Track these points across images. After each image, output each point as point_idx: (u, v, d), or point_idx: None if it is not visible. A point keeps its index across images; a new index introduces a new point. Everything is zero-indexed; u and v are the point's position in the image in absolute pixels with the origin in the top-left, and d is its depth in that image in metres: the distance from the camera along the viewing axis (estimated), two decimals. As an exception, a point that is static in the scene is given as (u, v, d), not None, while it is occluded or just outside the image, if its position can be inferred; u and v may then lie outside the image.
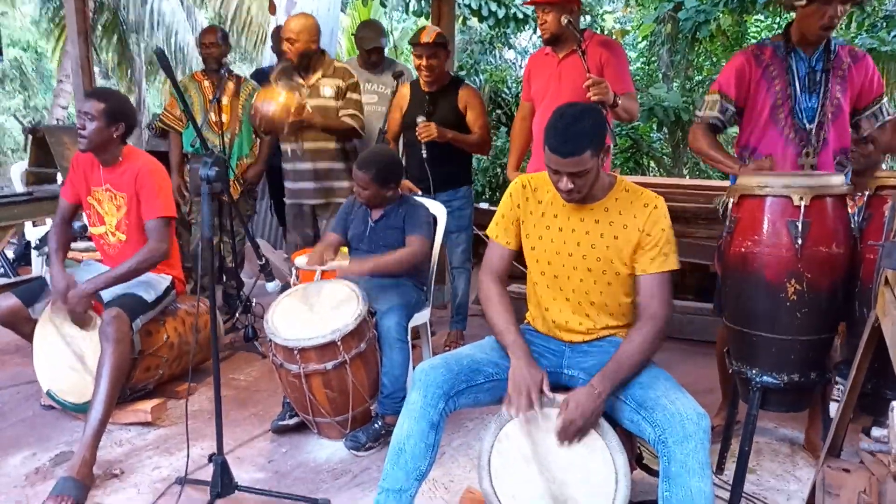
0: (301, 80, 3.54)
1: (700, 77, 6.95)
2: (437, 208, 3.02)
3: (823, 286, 1.86)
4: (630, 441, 1.95)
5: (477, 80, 7.00)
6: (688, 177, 6.63)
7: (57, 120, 8.72)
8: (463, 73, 7.16)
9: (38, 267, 4.52)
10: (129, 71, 12.92)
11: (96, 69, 13.04)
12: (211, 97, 3.79)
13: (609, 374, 1.77)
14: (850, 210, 1.96)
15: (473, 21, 6.46)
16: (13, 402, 2.95)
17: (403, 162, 3.42)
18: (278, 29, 4.37)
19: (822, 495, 1.74)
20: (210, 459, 2.10)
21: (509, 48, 7.29)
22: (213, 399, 2.07)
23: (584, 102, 2.14)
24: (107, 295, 2.65)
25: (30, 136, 4.07)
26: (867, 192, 1.89)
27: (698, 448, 1.63)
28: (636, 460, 2.06)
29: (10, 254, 4.86)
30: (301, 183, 3.64)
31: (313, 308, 2.50)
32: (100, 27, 12.03)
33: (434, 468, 1.88)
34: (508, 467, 1.86)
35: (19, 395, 3.03)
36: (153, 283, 2.77)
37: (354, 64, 4.06)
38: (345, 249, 2.96)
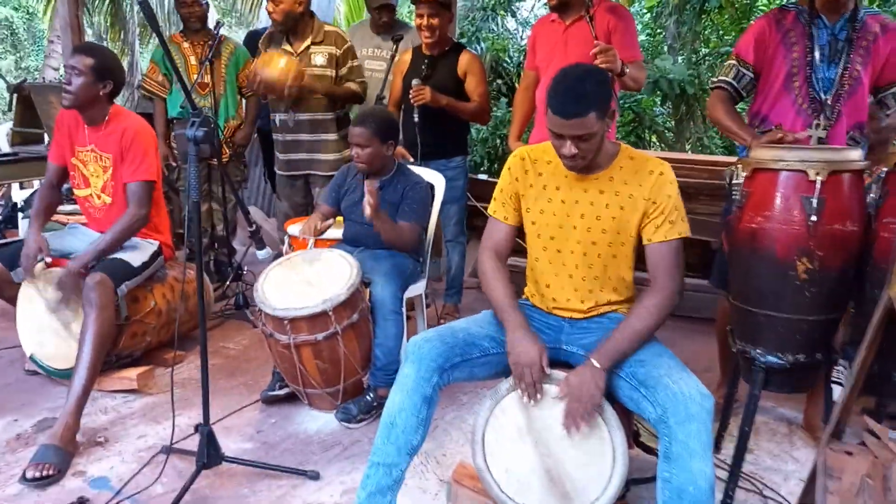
0: (289, 48, 3.42)
1: (707, 50, 6.80)
2: (435, 178, 2.93)
3: (835, 265, 1.79)
4: (627, 418, 1.90)
5: (478, 49, 6.84)
6: (690, 152, 6.54)
7: (43, 79, 8.52)
8: (464, 40, 6.99)
9: (24, 230, 4.43)
10: (122, 33, 12.64)
11: (89, 31, 12.75)
12: (195, 59, 3.67)
13: (609, 348, 1.72)
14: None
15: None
16: (-4, 367, 2.89)
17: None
18: None
19: (824, 478, 1.69)
20: (196, 429, 2.04)
21: (512, 16, 7.10)
22: (198, 374, 2.00)
23: (588, 64, 2.05)
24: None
25: (15, 95, 3.93)
26: (884, 169, 1.82)
27: (701, 429, 1.57)
28: (633, 438, 2.01)
29: (-4, 215, 4.75)
30: (293, 154, 3.54)
31: (305, 277, 2.42)
32: (92, -13, 11.72)
33: (426, 441, 1.82)
34: (503, 442, 1.81)
35: (2, 360, 2.96)
36: (139, 248, 2.69)
37: (366, 27, 3.89)
38: (340, 219, 2.87)
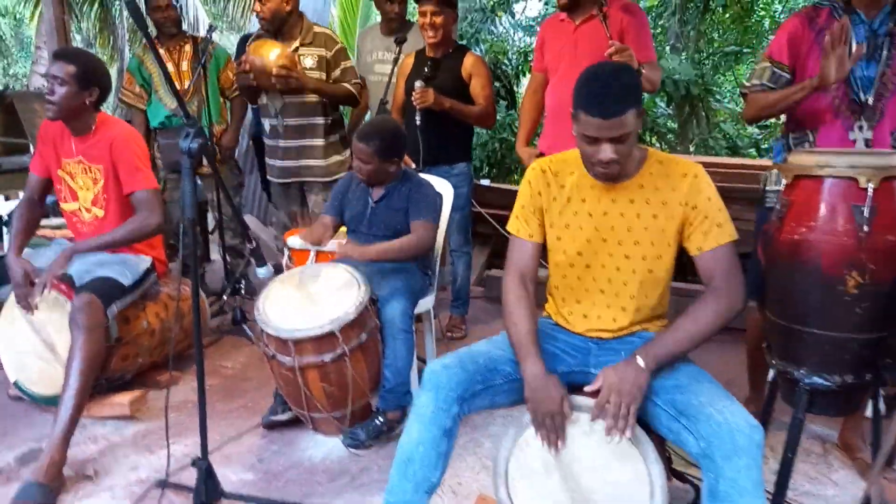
0: None
1: (711, 49, 6.68)
2: (442, 186, 2.78)
3: (888, 278, 1.65)
4: (661, 444, 1.76)
5: (477, 51, 6.72)
6: (694, 154, 6.42)
7: (27, 87, 8.28)
8: (462, 42, 6.86)
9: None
10: (111, 38, 12.44)
11: (78, 37, 12.51)
12: (173, 65, 3.52)
13: (658, 347, 1.57)
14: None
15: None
16: (-23, 393, 2.72)
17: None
18: None
19: (881, 511, 1.55)
20: (194, 464, 1.88)
21: (512, 17, 6.97)
22: (195, 395, 1.85)
23: (613, 61, 1.91)
24: (78, 279, 2.40)
25: (-4, 103, 3.77)
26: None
27: (751, 465, 1.43)
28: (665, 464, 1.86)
29: (-20, 229, 4.56)
30: (285, 161, 3.39)
31: (309, 295, 2.26)
32: (80, -7, 11.52)
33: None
34: (528, 476, 1.66)
35: (-15, 384, 2.79)
36: (130, 265, 2.52)
37: (376, 30, 3.72)
38: (344, 229, 2.71)
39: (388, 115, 3.11)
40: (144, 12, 3.56)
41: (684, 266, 1.84)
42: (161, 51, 3.58)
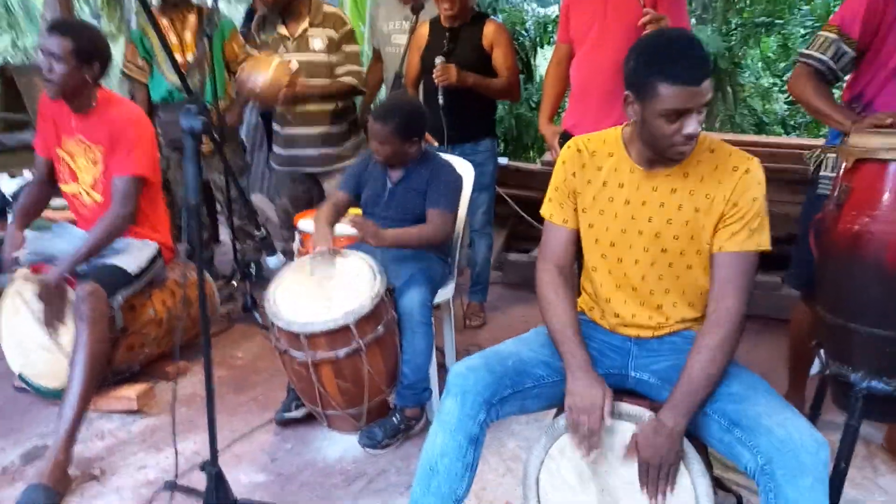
0: (285, 31, 3.10)
1: (739, 20, 6.39)
2: (463, 167, 2.62)
3: (961, 275, 1.50)
4: (704, 451, 1.62)
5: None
6: (719, 130, 6.17)
7: (27, 59, 8.08)
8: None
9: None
10: (119, 9, 12.24)
11: (86, 9, 12.32)
12: (175, 37, 3.33)
13: (680, 401, 1.43)
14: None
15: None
16: (-20, 385, 2.63)
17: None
18: None
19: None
20: (203, 468, 1.77)
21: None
22: (204, 388, 1.74)
23: (677, 29, 1.75)
24: (81, 266, 2.28)
25: (-3, 78, 3.63)
26: None
27: (816, 485, 1.29)
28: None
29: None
30: (293, 150, 3.24)
31: (322, 285, 2.13)
32: (87, -37, 11.31)
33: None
34: (560, 488, 1.54)
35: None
36: (135, 251, 2.40)
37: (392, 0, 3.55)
38: (357, 210, 2.57)
39: (405, 91, 2.94)
40: None
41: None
42: (163, 21, 3.40)
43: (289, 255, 3.09)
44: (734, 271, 1.50)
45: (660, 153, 1.50)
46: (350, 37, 3.14)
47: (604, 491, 1.50)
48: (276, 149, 3.36)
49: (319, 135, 3.20)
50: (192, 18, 3.40)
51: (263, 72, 2.81)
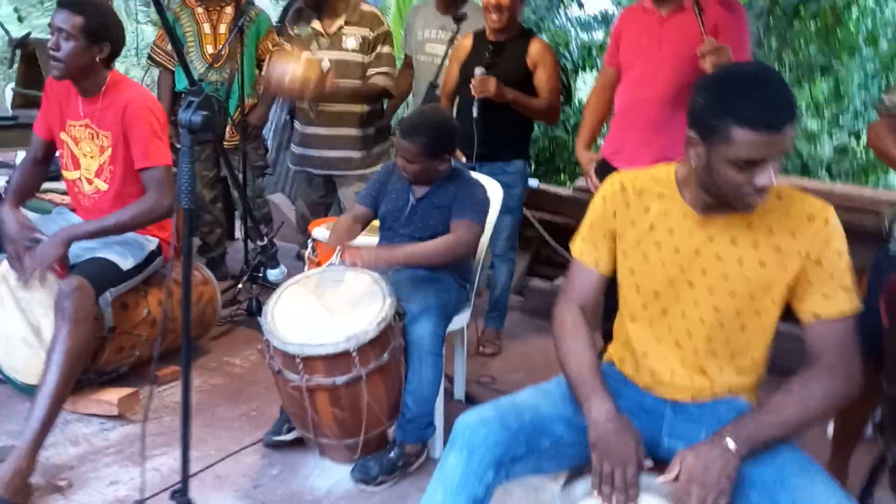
0: (319, 27, 2.97)
1: (793, 60, 6.13)
2: (492, 188, 2.43)
3: None
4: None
5: (538, 40, 6.27)
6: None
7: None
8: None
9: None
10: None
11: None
12: (210, 27, 3.21)
13: (751, 429, 1.24)
14: None
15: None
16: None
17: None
18: None
19: None
20: (173, 497, 1.59)
21: (580, 7, 6.49)
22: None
23: (755, 62, 1.55)
24: (74, 256, 2.13)
25: (18, 51, 3.51)
26: None
27: None
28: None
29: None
30: (313, 150, 3.09)
31: (326, 303, 1.95)
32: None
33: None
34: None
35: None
36: (133, 247, 2.25)
37: (430, 6, 3.36)
38: (376, 223, 2.39)
39: (436, 104, 2.76)
40: None
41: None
42: (199, 10, 3.30)
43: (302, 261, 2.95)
44: (840, 338, 1.29)
45: (723, 201, 1.30)
46: (385, 38, 2.99)
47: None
48: (292, 146, 3.21)
49: (342, 137, 3.05)
50: (228, 10, 3.29)
51: (292, 65, 2.67)
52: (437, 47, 3.21)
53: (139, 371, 2.47)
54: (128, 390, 2.26)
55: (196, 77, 3.25)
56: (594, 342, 1.47)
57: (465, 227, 2.11)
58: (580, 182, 4.42)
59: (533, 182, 4.49)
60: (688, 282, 1.37)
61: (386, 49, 2.98)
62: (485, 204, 2.21)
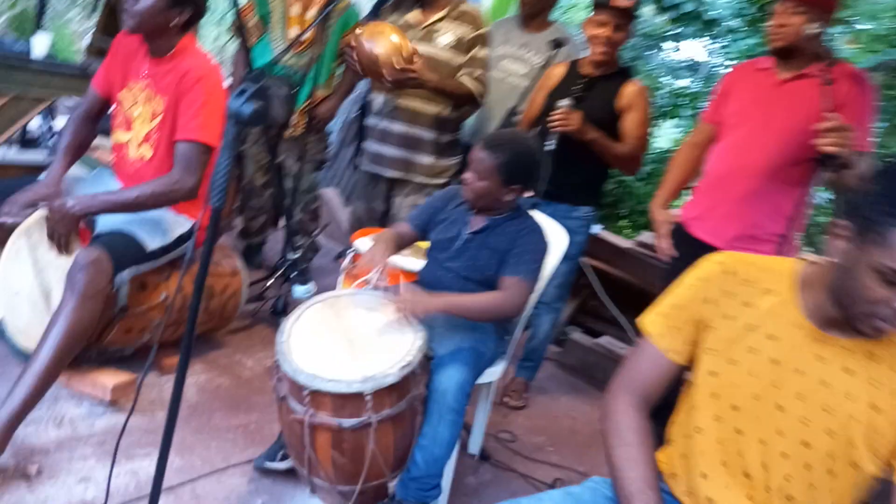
0: (415, 18, 2.79)
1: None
2: (557, 235, 2.20)
3: None
4: None
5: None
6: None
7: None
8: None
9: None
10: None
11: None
12: (299, 8, 3.06)
13: None
14: None
15: (645, 9, 5.43)
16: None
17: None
18: None
19: None
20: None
21: (677, 50, 6.20)
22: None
23: None
24: (100, 224, 2.00)
25: (102, -2, 3.45)
26: None
27: None
28: None
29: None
30: (385, 147, 2.90)
31: (349, 332, 1.76)
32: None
33: None
34: None
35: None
36: (163, 226, 2.10)
37: (511, 22, 3.18)
38: (423, 244, 2.19)
39: (521, 130, 2.55)
40: None
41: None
42: None
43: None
44: None
45: (847, 315, 1.06)
46: (483, 40, 2.79)
47: None
48: (366, 144, 3.04)
49: (414, 137, 2.86)
50: None
51: (381, 41, 2.51)
52: (513, 65, 3.00)
53: (146, 355, 2.31)
54: (127, 377, 2.11)
55: (272, 57, 3.15)
56: (651, 448, 1.23)
57: (517, 286, 1.88)
58: (644, 237, 4.15)
59: (595, 227, 4.24)
60: (778, 404, 1.13)
61: (483, 53, 2.78)
62: (542, 258, 1.98)
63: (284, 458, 1.95)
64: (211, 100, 2.03)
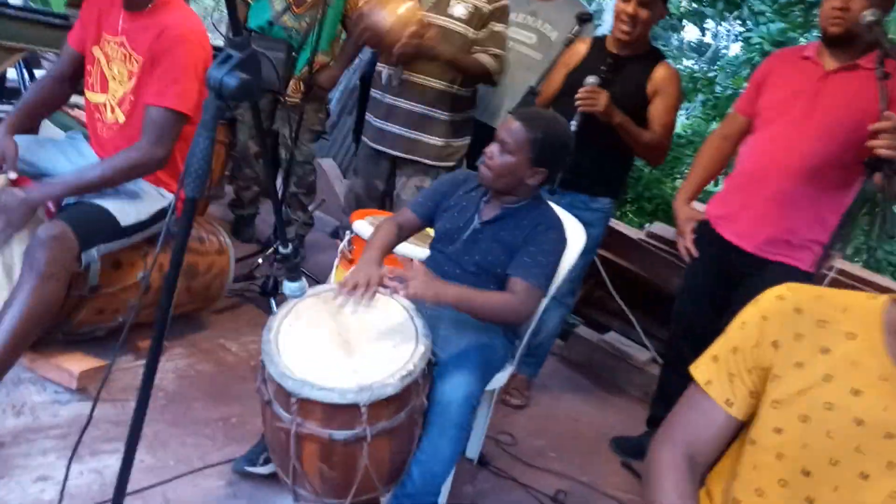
0: None
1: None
2: (575, 231, 2.01)
3: None
4: None
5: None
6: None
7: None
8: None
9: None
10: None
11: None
12: None
13: None
14: None
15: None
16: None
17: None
18: None
19: None
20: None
21: (702, 33, 5.93)
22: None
23: None
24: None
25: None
26: None
27: None
28: None
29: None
30: (390, 124, 2.69)
31: (345, 332, 1.57)
32: None
33: None
34: None
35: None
36: (141, 199, 1.90)
37: None
38: (431, 231, 1.99)
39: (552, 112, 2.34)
40: None
41: None
42: None
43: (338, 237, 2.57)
44: None
45: None
46: (501, 14, 2.57)
47: None
48: (369, 118, 2.82)
49: (423, 117, 2.65)
50: None
51: (391, 9, 2.29)
52: (521, 33, 2.77)
53: (118, 336, 2.12)
54: (97, 362, 1.92)
55: (270, 17, 2.91)
56: None
57: (527, 293, 1.68)
58: (656, 228, 3.96)
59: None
60: (861, 472, 0.95)
61: (499, 27, 2.56)
62: (558, 261, 1.78)
63: (267, 461, 1.77)
64: (191, 62, 1.81)
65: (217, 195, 3.51)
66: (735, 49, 6.61)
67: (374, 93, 2.79)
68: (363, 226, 2.30)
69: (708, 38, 7.30)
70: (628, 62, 2.35)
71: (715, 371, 1.07)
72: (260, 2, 3.00)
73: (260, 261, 2.87)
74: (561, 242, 1.79)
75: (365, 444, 1.47)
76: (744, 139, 2.27)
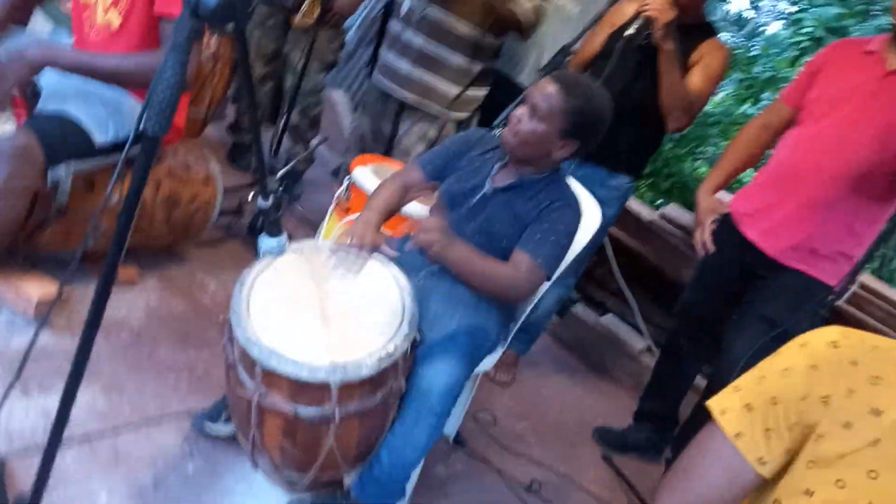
0: None
1: None
2: (590, 208, 1.84)
3: None
4: None
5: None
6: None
7: None
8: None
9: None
10: None
11: None
12: None
13: None
14: None
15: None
16: None
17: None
18: None
19: None
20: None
21: (754, 9, 5.58)
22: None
23: None
24: (44, 100, 1.61)
25: None
26: None
27: None
28: None
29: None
30: (402, 61, 2.47)
31: (325, 298, 1.41)
32: None
33: None
34: None
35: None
36: (120, 116, 1.71)
37: None
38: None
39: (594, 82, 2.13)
40: None
41: None
42: None
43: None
44: None
45: None
46: None
47: None
48: (382, 52, 2.60)
49: (440, 60, 2.44)
50: None
51: None
52: None
53: (95, 264, 1.97)
54: (54, 288, 1.76)
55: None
56: None
57: (532, 270, 1.52)
58: (670, 210, 3.77)
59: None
60: None
61: None
62: (569, 244, 1.61)
63: (229, 420, 1.65)
64: None
65: (217, 115, 3.31)
66: (775, 27, 6.25)
67: (391, 24, 2.56)
68: (364, 174, 2.13)
69: (751, 13, 6.93)
70: (679, 31, 2.12)
71: (749, 423, 0.90)
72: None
73: (252, 195, 2.70)
74: (574, 224, 1.62)
75: (332, 424, 1.34)
76: (786, 132, 2.08)
